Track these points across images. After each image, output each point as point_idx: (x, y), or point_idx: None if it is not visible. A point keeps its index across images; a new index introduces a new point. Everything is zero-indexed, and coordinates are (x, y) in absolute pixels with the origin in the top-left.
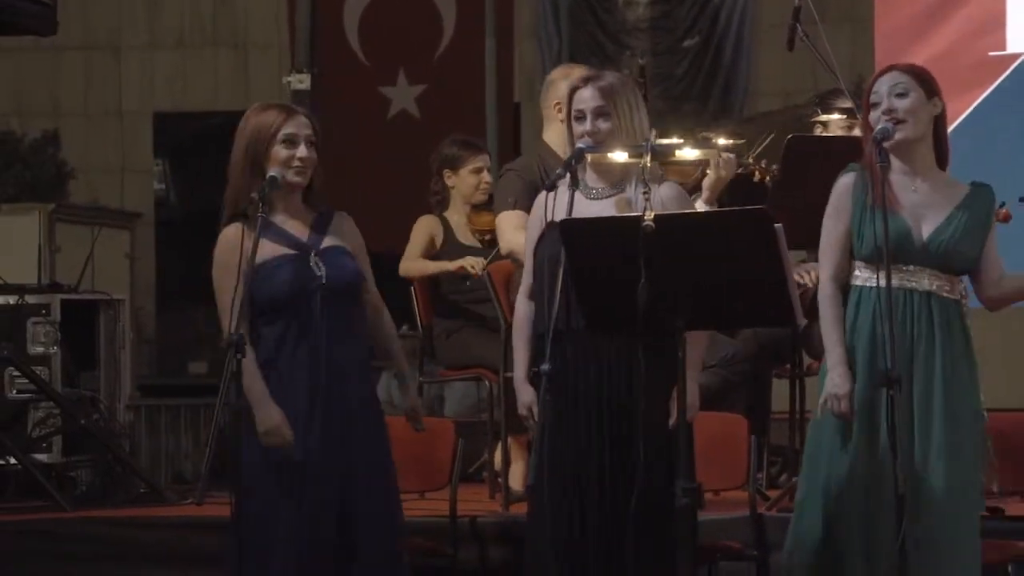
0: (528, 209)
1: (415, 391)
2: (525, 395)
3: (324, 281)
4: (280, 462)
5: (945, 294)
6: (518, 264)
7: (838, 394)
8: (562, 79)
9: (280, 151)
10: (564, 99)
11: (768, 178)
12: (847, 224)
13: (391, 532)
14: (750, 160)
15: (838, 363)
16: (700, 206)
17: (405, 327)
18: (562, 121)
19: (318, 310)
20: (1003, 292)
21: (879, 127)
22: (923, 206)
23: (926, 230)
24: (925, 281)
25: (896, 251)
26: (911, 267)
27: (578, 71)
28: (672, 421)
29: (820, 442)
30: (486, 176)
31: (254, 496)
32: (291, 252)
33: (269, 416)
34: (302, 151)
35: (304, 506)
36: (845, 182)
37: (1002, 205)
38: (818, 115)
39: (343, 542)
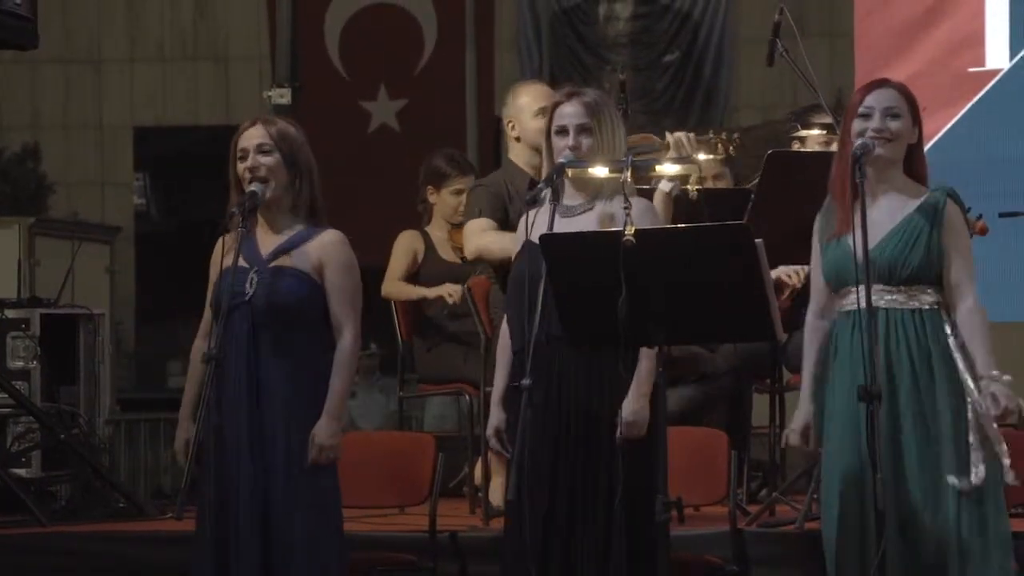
0: (493, 218)
1: (319, 437)
2: (493, 417)
3: (247, 299)
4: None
5: (900, 306)
6: (490, 264)
7: (793, 427)
8: (513, 97)
9: (239, 167)
10: (515, 116)
11: (732, 148)
12: (819, 262)
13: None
14: (711, 134)
15: (804, 398)
16: (664, 184)
17: (373, 346)
18: (516, 139)
19: (243, 326)
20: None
21: (859, 143)
22: (876, 224)
23: (873, 247)
24: (879, 298)
25: (845, 275)
26: (862, 287)
27: (526, 88)
28: (617, 435)
29: (832, 454)
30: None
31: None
32: (243, 265)
33: (177, 435)
34: (251, 161)
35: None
36: (817, 219)
37: (979, 217)
38: (797, 130)
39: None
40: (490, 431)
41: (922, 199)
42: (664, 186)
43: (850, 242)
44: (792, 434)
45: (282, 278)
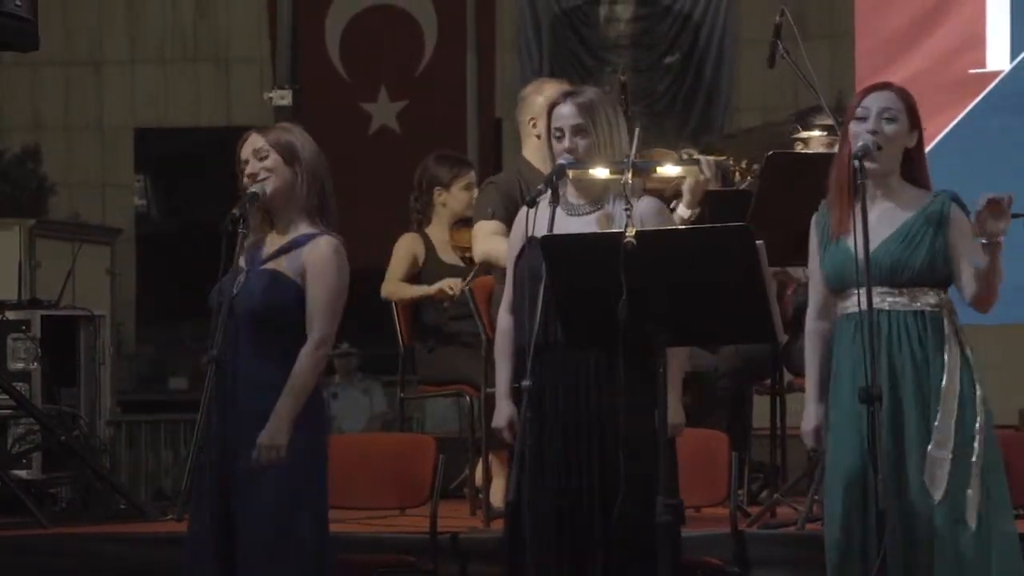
0: (505, 220)
1: (260, 437)
2: (504, 409)
3: (231, 300)
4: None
5: (903, 307)
6: (496, 269)
7: (804, 431)
8: (535, 94)
9: (244, 178)
10: (539, 114)
11: (750, 177)
12: (819, 262)
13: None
14: (730, 160)
15: (809, 399)
16: (682, 210)
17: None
18: (538, 136)
19: (231, 327)
20: (975, 284)
21: (860, 144)
22: (874, 228)
23: (874, 249)
24: (881, 300)
25: (846, 277)
26: (862, 290)
27: (550, 86)
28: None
29: (834, 455)
30: (476, 191)
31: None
32: (241, 267)
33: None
34: (251, 168)
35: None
36: (814, 220)
37: None
38: (799, 132)
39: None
40: (502, 423)
41: (924, 204)
42: (682, 212)
43: (850, 244)
44: (807, 436)
45: (264, 281)
